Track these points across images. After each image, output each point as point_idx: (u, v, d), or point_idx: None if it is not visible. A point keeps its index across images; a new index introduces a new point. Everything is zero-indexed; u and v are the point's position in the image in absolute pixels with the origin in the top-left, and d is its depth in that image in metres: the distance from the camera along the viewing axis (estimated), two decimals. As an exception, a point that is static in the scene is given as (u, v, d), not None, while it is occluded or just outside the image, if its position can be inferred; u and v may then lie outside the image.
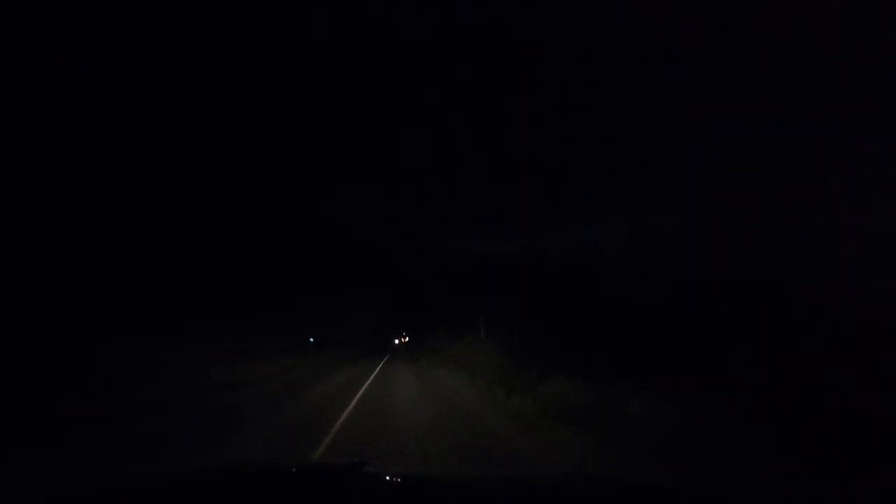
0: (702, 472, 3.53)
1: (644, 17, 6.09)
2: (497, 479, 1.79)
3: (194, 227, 14.51)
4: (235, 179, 14.89)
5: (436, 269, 23.31)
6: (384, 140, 12.67)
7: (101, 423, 6.30)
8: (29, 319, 8.70)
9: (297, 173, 15.71)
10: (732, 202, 6.15)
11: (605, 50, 7.00)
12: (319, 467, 2.33)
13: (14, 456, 4.60)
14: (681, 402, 4.72)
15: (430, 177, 13.42)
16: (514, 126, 9.53)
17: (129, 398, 7.87)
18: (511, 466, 4.35)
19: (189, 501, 1.29)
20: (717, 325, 5.52)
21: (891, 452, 2.96)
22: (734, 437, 3.82)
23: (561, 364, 8.08)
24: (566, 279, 10.46)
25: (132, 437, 5.66)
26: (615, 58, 7.06)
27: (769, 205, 5.73)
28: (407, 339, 47.74)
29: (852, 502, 2.87)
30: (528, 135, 9.43)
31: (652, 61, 6.65)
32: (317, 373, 15.07)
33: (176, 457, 4.64)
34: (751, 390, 4.37)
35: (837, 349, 4.16)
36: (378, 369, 16.31)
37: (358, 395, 9.21)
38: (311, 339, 21.80)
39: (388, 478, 1.68)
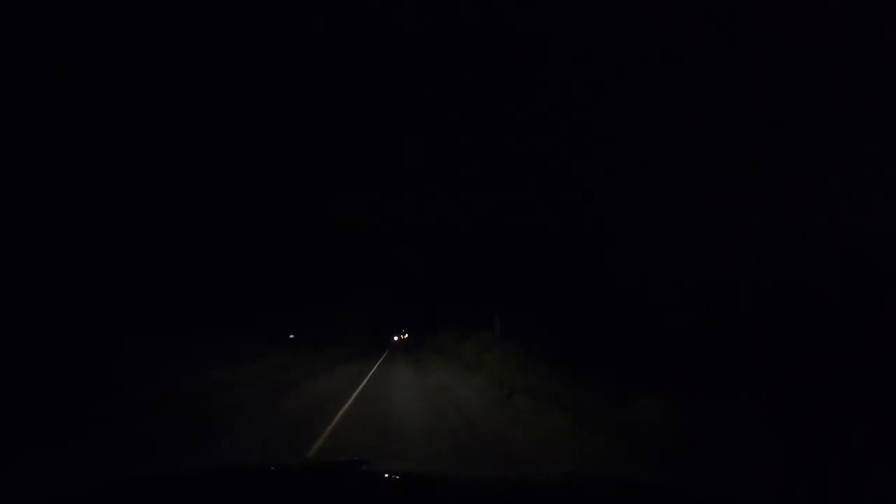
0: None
1: (644, 17, 6.09)
2: (497, 478, 1.78)
3: (194, 227, 14.53)
4: (235, 179, 14.91)
5: (436, 267, 23.31)
6: (384, 140, 12.70)
7: (102, 423, 6.30)
8: (29, 319, 8.71)
9: (297, 173, 15.74)
10: (732, 202, 6.16)
11: (605, 50, 6.99)
12: (318, 466, 2.32)
13: (14, 456, 4.60)
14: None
15: (430, 177, 13.44)
16: (514, 126, 9.54)
17: (129, 398, 7.88)
18: None
19: (189, 501, 1.29)
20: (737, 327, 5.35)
21: (891, 452, 2.95)
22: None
23: (616, 371, 6.23)
24: (576, 273, 10.30)
25: (132, 437, 5.66)
26: (615, 58, 7.06)
27: (769, 205, 5.73)
28: (406, 336, 47.99)
29: (852, 502, 2.87)
30: (528, 135, 9.44)
31: (652, 61, 6.65)
32: (307, 372, 14.79)
33: (176, 456, 4.64)
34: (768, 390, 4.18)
35: (841, 349, 4.15)
36: (374, 369, 16.08)
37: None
38: (291, 336, 21.21)
39: (387, 476, 1.68)
